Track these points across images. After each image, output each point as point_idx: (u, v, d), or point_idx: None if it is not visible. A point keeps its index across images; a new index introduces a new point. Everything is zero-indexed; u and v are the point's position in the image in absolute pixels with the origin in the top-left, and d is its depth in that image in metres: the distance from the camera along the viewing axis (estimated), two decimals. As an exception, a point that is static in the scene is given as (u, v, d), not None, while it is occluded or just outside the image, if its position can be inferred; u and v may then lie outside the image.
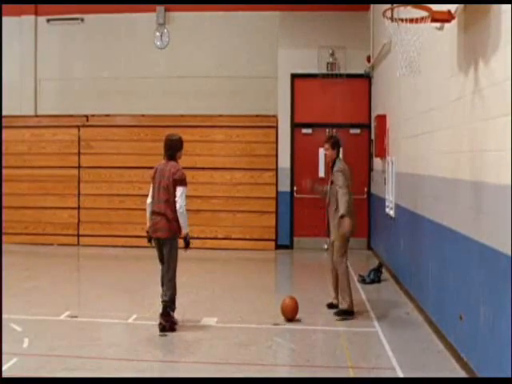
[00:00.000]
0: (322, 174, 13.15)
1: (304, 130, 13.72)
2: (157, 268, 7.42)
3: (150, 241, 7.30)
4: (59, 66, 14.54)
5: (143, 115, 14.07)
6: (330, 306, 8.05)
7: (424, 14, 5.53)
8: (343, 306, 7.71)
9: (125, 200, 13.76)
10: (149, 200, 7.31)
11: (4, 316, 7.08)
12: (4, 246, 12.72)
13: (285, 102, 13.67)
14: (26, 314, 7.73)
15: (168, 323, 7.05)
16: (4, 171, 13.78)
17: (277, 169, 13.64)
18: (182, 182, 7.13)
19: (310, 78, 13.51)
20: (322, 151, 12.23)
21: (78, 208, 14.02)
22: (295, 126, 13.73)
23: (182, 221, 7.10)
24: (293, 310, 7.59)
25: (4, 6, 12.94)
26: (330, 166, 8.02)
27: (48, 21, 14.42)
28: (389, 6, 5.72)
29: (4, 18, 13.56)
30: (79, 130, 14.05)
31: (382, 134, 11.33)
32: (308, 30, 13.45)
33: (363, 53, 13.14)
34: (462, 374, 5.67)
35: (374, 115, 12.71)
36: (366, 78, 13.47)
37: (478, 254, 5.30)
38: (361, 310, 8.10)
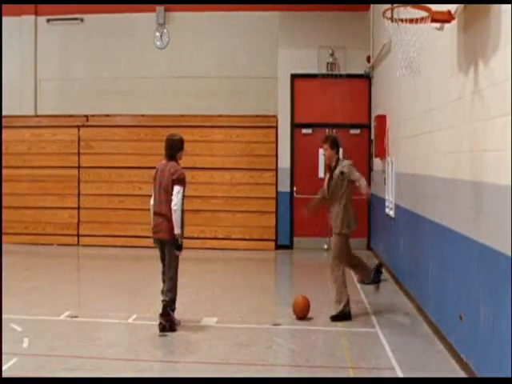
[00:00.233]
0: (321, 174, 13.13)
1: (304, 130, 13.72)
2: (156, 268, 7.43)
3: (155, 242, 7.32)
4: (59, 66, 14.53)
5: (143, 115, 14.06)
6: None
7: (424, 14, 5.52)
8: (339, 308, 7.62)
9: (124, 200, 13.76)
10: (152, 201, 7.33)
11: (4, 316, 7.07)
12: (4, 246, 12.71)
13: (285, 102, 13.67)
14: (26, 314, 7.73)
15: (168, 323, 7.04)
16: (4, 171, 13.77)
17: (277, 169, 13.64)
18: (180, 181, 7.11)
19: (309, 78, 13.50)
20: (321, 151, 12.19)
21: (78, 208, 14.01)
22: (295, 126, 13.72)
23: (175, 219, 6.98)
24: (304, 308, 7.65)
25: (4, 6, 12.94)
26: (334, 165, 7.81)
27: (48, 21, 14.41)
28: (389, 6, 5.72)
29: (4, 18, 13.56)
30: (79, 130, 14.05)
31: (382, 134, 11.32)
32: (308, 30, 13.45)
33: (363, 53, 13.14)
34: (462, 374, 5.67)
35: (373, 115, 12.71)
36: (366, 78, 13.46)
37: (477, 255, 5.30)
38: (361, 310, 8.11)
